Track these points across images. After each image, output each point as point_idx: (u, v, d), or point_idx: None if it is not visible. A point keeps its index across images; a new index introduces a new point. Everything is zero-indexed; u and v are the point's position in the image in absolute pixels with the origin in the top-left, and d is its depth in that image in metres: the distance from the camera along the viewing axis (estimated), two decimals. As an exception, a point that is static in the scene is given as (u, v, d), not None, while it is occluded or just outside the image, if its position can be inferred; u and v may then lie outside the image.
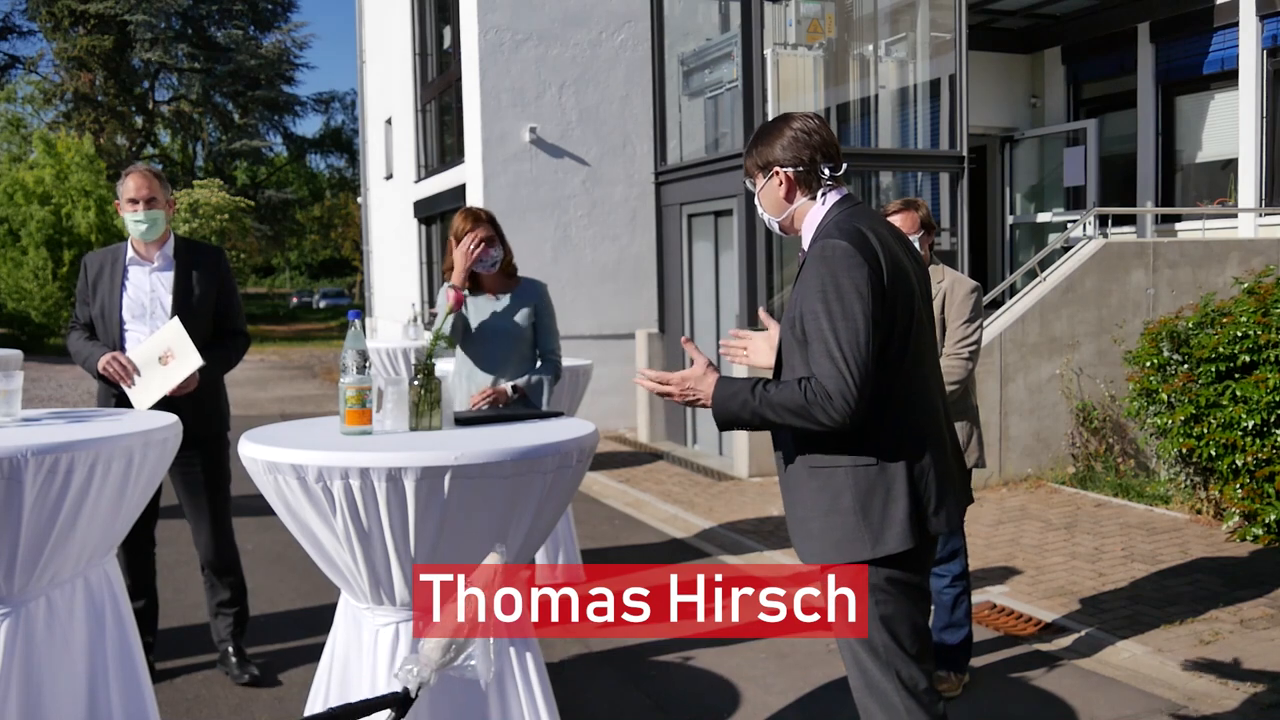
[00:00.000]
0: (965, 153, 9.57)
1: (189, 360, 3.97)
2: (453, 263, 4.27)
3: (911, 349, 2.48)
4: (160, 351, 3.99)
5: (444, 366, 4.29)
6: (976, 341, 4.13)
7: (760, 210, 2.68)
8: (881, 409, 2.43)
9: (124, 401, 4.06)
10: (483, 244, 4.23)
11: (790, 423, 2.43)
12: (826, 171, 2.56)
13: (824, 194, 2.58)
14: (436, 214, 14.63)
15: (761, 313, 2.80)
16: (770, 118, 8.88)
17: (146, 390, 3.99)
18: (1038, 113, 12.28)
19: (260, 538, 6.40)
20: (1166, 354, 6.61)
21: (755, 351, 2.81)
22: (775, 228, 2.68)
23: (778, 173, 2.58)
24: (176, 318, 4.03)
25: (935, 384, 2.63)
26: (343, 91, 49.73)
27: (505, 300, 4.33)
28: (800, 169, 2.56)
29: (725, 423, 2.53)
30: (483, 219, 4.28)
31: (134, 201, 4.10)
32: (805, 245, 2.58)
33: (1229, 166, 10.36)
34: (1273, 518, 5.84)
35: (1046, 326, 8.00)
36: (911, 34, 9.95)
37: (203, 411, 4.15)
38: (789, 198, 2.60)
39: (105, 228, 23.33)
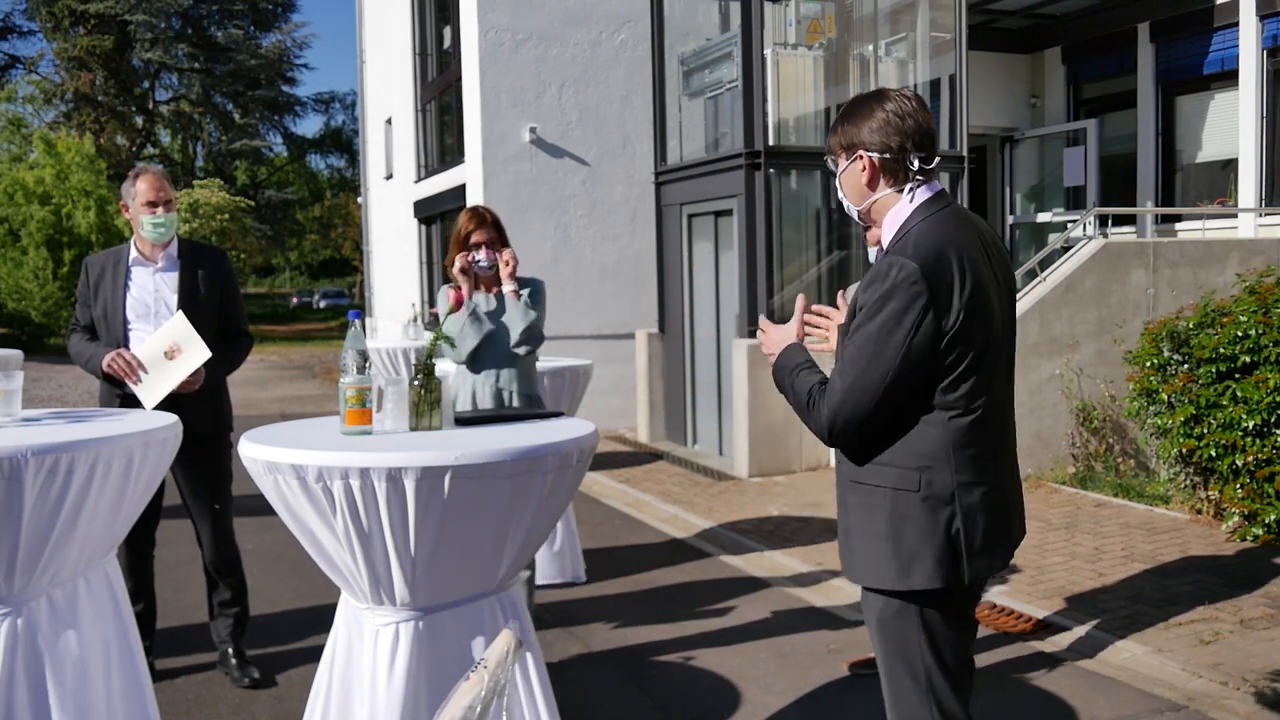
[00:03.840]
0: (965, 153, 9.57)
1: (197, 353, 3.96)
2: (454, 260, 4.32)
3: (980, 377, 2.29)
4: (165, 346, 3.98)
5: (444, 365, 4.30)
6: None
7: (840, 193, 2.49)
8: (935, 436, 2.28)
9: (128, 401, 4.06)
10: (482, 247, 4.27)
11: (795, 409, 2.43)
12: (916, 163, 2.34)
13: (912, 189, 2.36)
14: (437, 214, 14.64)
15: (800, 301, 2.63)
16: (769, 114, 8.98)
17: (154, 387, 3.98)
18: (1038, 113, 12.28)
19: (260, 538, 6.41)
20: (1167, 354, 6.61)
21: (770, 343, 2.59)
22: (854, 215, 2.49)
23: (862, 156, 2.37)
24: (180, 312, 4.04)
25: (1006, 413, 2.44)
26: (343, 91, 49.92)
27: (501, 298, 4.35)
28: (886, 156, 2.34)
29: (776, 385, 2.52)
30: (487, 221, 4.31)
31: (153, 204, 4.13)
32: (884, 243, 2.39)
33: (1229, 166, 10.37)
34: (1273, 518, 5.84)
35: (1046, 326, 8.00)
36: (911, 34, 9.95)
37: (205, 412, 4.16)
38: (871, 185, 2.38)
39: (105, 228, 23.35)
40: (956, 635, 2.37)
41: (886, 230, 2.40)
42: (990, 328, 2.31)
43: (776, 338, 2.54)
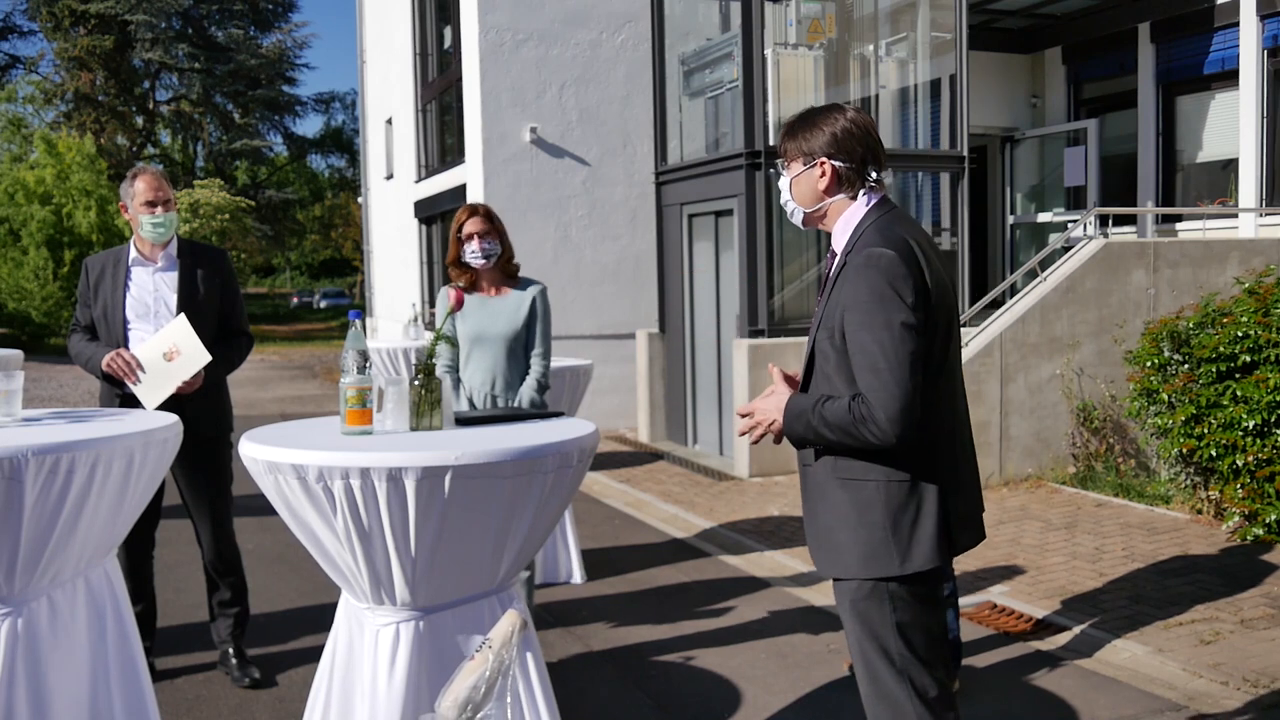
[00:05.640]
0: (966, 153, 9.57)
1: (197, 357, 3.97)
2: (452, 256, 4.33)
3: (946, 362, 2.45)
4: (165, 348, 3.99)
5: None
6: None
7: (784, 196, 2.58)
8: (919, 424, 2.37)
9: (128, 401, 4.06)
10: (475, 237, 4.26)
11: (844, 441, 2.35)
12: (874, 174, 2.48)
13: (865, 195, 2.49)
14: (437, 214, 14.64)
15: (771, 369, 2.60)
16: (769, 113, 8.97)
17: (153, 388, 3.99)
18: (1038, 113, 12.28)
19: (261, 538, 6.41)
20: (1167, 354, 6.61)
21: (765, 416, 2.53)
22: (798, 218, 2.58)
23: (823, 164, 2.48)
24: (182, 314, 4.04)
25: (963, 397, 2.58)
26: (343, 91, 49.91)
27: (502, 299, 4.35)
28: (849, 166, 2.46)
29: (797, 444, 2.49)
30: (478, 211, 4.32)
31: (152, 204, 4.12)
32: (837, 245, 2.50)
33: (1229, 166, 10.37)
34: (1273, 518, 5.84)
35: (1047, 326, 8.00)
36: (912, 34, 9.95)
37: (206, 412, 4.16)
38: (828, 191, 2.50)
39: (106, 227, 23.36)
40: (927, 613, 2.48)
41: (840, 232, 2.51)
42: (950, 314, 2.46)
43: (769, 405, 2.51)
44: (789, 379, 2.56)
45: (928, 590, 2.47)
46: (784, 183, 2.58)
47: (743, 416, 2.58)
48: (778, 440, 2.53)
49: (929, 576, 2.46)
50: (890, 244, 2.35)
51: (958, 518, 2.45)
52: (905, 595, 2.43)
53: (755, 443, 2.57)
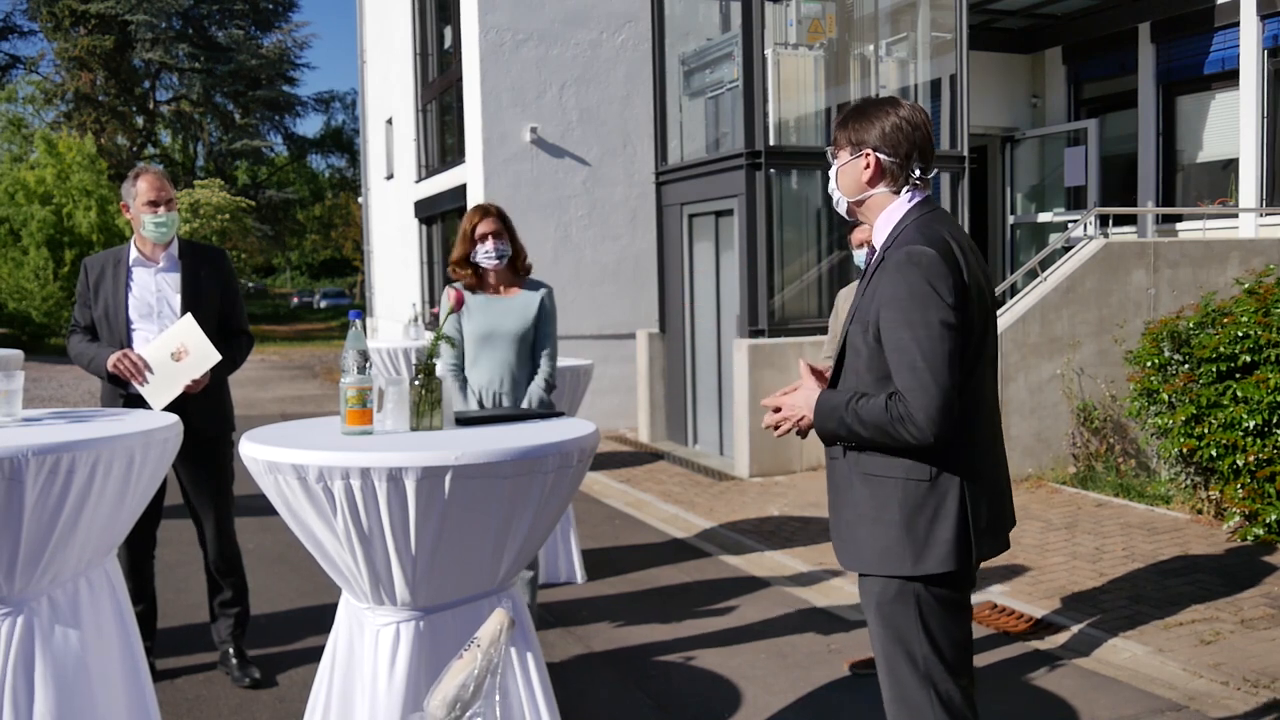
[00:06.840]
0: (966, 152, 9.57)
1: (207, 356, 3.97)
2: (459, 255, 4.32)
3: (980, 363, 2.43)
4: (173, 348, 3.99)
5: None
6: None
7: (832, 184, 2.61)
8: None
9: (132, 401, 4.06)
10: (489, 237, 4.27)
11: (878, 439, 2.35)
12: (918, 171, 2.49)
13: (909, 193, 2.50)
14: (437, 214, 14.64)
15: (802, 364, 2.59)
16: (769, 114, 8.98)
17: (161, 388, 3.98)
18: (1038, 112, 12.28)
19: (261, 538, 6.41)
20: (1167, 354, 6.61)
21: (793, 411, 2.53)
22: (842, 207, 2.60)
23: (868, 155, 2.49)
24: (189, 314, 4.04)
25: (995, 400, 2.55)
26: (343, 91, 49.95)
27: (511, 299, 4.34)
28: (894, 160, 2.48)
29: (827, 440, 2.49)
30: (491, 212, 4.33)
31: (154, 204, 4.12)
32: (876, 240, 2.50)
33: (1230, 166, 10.37)
34: (1273, 518, 5.84)
35: (1047, 326, 8.00)
36: (912, 34, 9.95)
37: (207, 411, 4.17)
38: (871, 183, 2.50)
39: (106, 227, 23.37)
40: (954, 619, 2.45)
41: (880, 229, 2.51)
42: (985, 315, 2.44)
43: (799, 400, 2.51)
44: (817, 374, 2.55)
45: (955, 595, 2.45)
46: (832, 170, 2.61)
47: (770, 411, 2.57)
48: (803, 435, 2.54)
49: (954, 581, 2.43)
50: (931, 242, 2.35)
51: (979, 524, 2.41)
52: (931, 599, 2.41)
53: (780, 436, 2.58)
